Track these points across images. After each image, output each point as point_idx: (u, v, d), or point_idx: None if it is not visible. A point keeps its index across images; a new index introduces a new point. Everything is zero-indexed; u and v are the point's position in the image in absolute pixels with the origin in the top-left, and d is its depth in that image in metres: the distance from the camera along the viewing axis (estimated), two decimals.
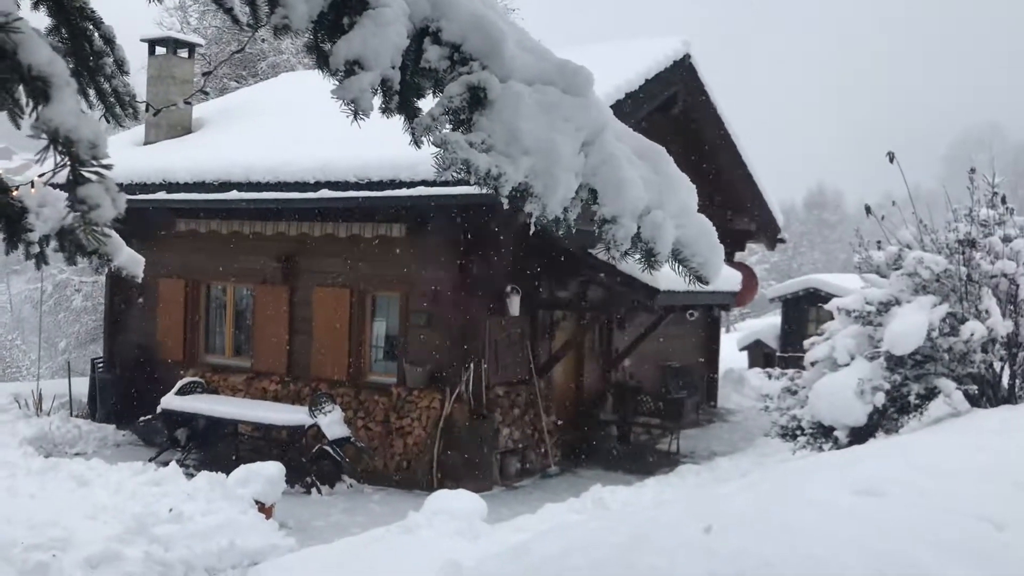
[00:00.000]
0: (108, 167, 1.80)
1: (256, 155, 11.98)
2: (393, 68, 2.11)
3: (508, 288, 11.16)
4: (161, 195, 12.24)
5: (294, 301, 12.33)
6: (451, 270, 11.04)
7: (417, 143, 2.35)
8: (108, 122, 3.19)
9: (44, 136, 1.64)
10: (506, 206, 2.31)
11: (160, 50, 14.62)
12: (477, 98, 2.15)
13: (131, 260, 4.11)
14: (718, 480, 10.56)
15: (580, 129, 2.22)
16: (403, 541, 7.39)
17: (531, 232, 2.56)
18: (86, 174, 1.68)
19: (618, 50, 13.20)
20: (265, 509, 8.67)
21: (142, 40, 14.63)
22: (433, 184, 10.15)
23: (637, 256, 2.36)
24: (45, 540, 7.46)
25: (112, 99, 3.07)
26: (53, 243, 4.01)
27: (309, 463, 10.50)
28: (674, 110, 13.59)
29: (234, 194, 11.68)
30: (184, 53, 14.86)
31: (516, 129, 2.11)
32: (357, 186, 10.80)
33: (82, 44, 2.76)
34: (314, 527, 9.08)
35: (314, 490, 10.34)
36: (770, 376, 10.19)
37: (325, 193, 10.99)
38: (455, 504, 7.98)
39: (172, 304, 13.34)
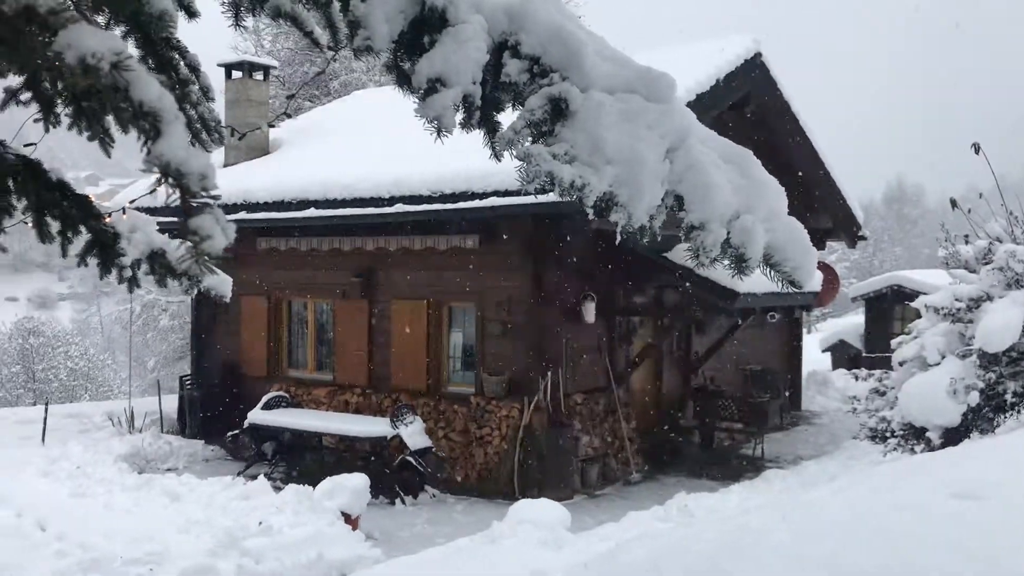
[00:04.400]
0: (217, 198, 1.84)
1: (332, 172, 12.20)
2: (474, 84, 2.12)
3: (583, 295, 11.11)
4: (242, 215, 12.54)
5: (372, 314, 12.50)
6: (525, 279, 11.05)
7: (498, 157, 2.35)
8: (193, 147, 3.27)
9: (156, 170, 1.69)
10: (591, 216, 2.30)
11: (236, 74, 15.01)
12: (558, 109, 2.14)
13: (219, 281, 4.21)
14: (805, 484, 10.32)
15: (664, 136, 2.20)
16: (488, 551, 7.40)
17: (617, 241, 2.53)
18: (196, 205, 1.72)
19: (688, 52, 13.07)
20: (351, 520, 8.79)
21: (219, 65, 15.04)
22: (505, 194, 10.20)
23: (726, 262, 2.32)
24: (142, 555, 7.70)
25: (199, 125, 3.15)
26: (144, 266, 4.17)
27: (392, 474, 10.61)
28: (746, 110, 13.39)
29: (312, 211, 11.91)
30: (259, 76, 15.23)
31: (599, 139, 2.10)
32: (430, 199, 10.91)
33: (169, 73, 2.84)
34: (399, 538, 9.16)
35: (398, 500, 10.44)
36: (856, 377, 9.92)
37: (400, 207, 11.13)
38: (538, 513, 7.97)
39: (255, 321, 13.65)
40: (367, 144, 13.30)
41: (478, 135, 2.35)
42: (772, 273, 2.36)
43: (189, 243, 1.79)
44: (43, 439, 13.22)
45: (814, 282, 12.59)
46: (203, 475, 10.85)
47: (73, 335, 41.54)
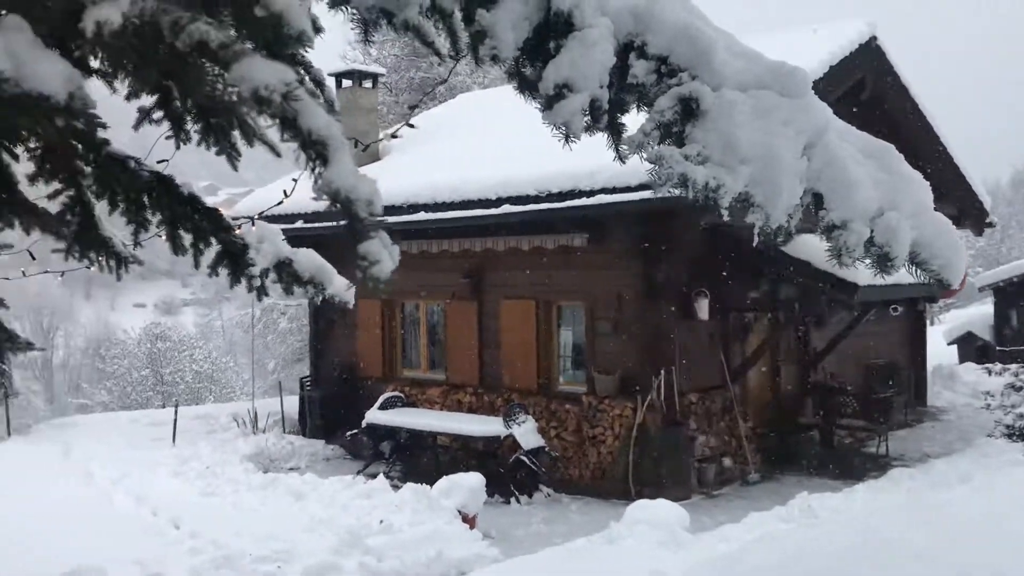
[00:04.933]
0: (383, 224, 1.87)
1: (440, 176, 12.35)
2: (601, 88, 2.10)
3: (695, 291, 10.93)
4: None
5: (482, 314, 12.60)
6: (635, 276, 10.95)
7: (623, 159, 2.32)
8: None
9: (325, 196, 1.73)
10: (726, 218, 2.25)
11: (346, 83, 15.38)
12: (689, 109, 2.10)
13: (343, 288, 4.32)
14: (935, 484, 9.89)
15: (800, 132, 2.13)
16: (606, 551, 7.37)
17: (755, 243, 2.45)
18: (364, 230, 1.76)
19: (799, 37, 12.70)
20: (468, 519, 8.88)
21: (329, 75, 15.43)
22: (613, 191, 10.12)
23: (867, 261, 2.23)
24: (269, 552, 7.97)
25: (307, 137, 3.22)
26: (271, 275, 4.30)
27: (507, 473, 10.67)
28: (862, 95, 12.92)
29: (421, 215, 12.08)
30: (368, 84, 15.56)
31: (732, 138, 2.04)
32: (537, 199, 10.92)
33: None
34: (515, 537, 9.20)
35: (513, 500, 10.49)
36: (990, 372, 9.44)
37: (507, 208, 11.18)
38: (656, 513, 7.89)
39: (370, 323, 13.95)
40: (473, 146, 13.42)
41: (610, 141, 2.32)
42: (918, 272, 2.26)
43: (358, 268, 1.82)
44: (174, 440, 13.83)
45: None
46: (324, 474, 11.16)
47: (197, 339, 43.41)
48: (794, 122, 2.12)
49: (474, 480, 9.09)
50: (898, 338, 15.95)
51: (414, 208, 12.24)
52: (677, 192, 2.22)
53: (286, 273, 4.19)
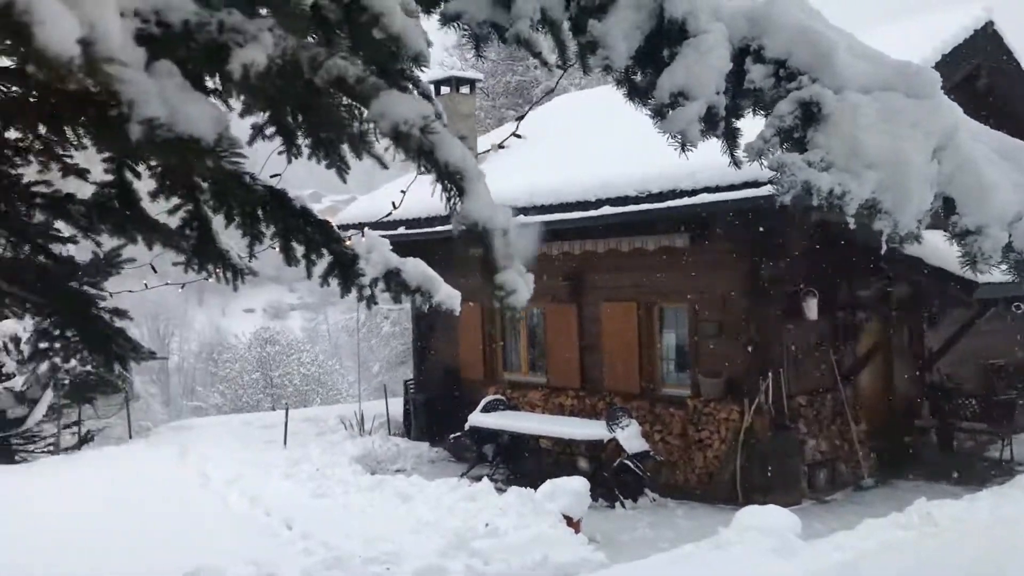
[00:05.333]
0: (514, 252, 1.88)
1: (538, 179, 12.36)
2: (718, 94, 2.05)
3: (803, 291, 10.63)
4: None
5: (583, 317, 12.56)
6: (740, 276, 10.73)
7: (737, 164, 2.27)
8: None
9: (463, 227, 1.75)
10: (852, 225, 2.17)
11: (444, 89, 15.55)
12: (810, 114, 2.03)
13: (449, 296, 4.37)
14: None
15: (930, 134, 2.03)
16: (716, 557, 7.23)
17: (883, 251, 2.36)
18: (501, 261, 1.77)
19: (907, 27, 12.23)
20: (573, 523, 8.85)
21: (428, 82, 15.63)
22: (715, 190, 9.95)
23: (1003, 267, 2.12)
24: (378, 554, 8.10)
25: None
26: (380, 284, 4.37)
27: (610, 477, 10.60)
28: (978, 84, 12.35)
29: (520, 219, 12.08)
30: (466, 89, 15.71)
31: (857, 142, 1.97)
32: (637, 200, 10.82)
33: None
34: (621, 541, 9.13)
35: (617, 504, 10.41)
36: None
37: (606, 210, 11.11)
38: (766, 519, 7.70)
39: (471, 327, 14.07)
40: (571, 148, 13.39)
41: (725, 146, 2.27)
42: None
43: (495, 297, 1.83)
44: (285, 442, 14.23)
45: None
46: (430, 476, 11.31)
47: (304, 343, 44.63)
48: (923, 124, 2.02)
49: (578, 484, 9.05)
50: (1021, 337, 15.17)
51: (513, 212, 12.28)
52: (785, 198, 2.15)
53: (394, 282, 4.27)
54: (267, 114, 4.01)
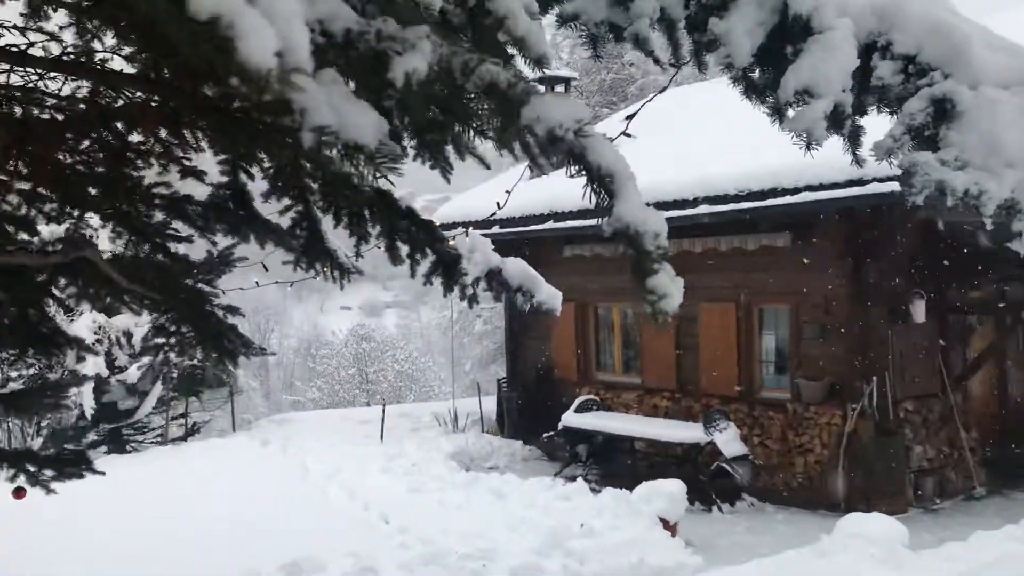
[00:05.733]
0: (667, 256, 1.87)
1: (636, 176, 12.25)
2: (844, 92, 2.00)
3: (910, 292, 10.27)
4: (549, 224, 12.97)
5: (679, 318, 12.37)
6: (843, 277, 10.42)
7: (859, 163, 2.20)
8: (531, 171, 3.39)
9: (615, 231, 1.75)
10: (990, 227, 2.08)
11: (539, 88, 15.57)
12: (943, 111, 1.96)
13: (550, 296, 4.37)
14: None
15: None
16: (819, 566, 7.04)
17: (1023, 254, 2.26)
18: (652, 264, 1.77)
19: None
20: (670, 526, 8.75)
21: None
22: (819, 188, 9.68)
23: None
24: (474, 550, 8.17)
25: (535, 150, 3.26)
26: (482, 283, 4.41)
27: (707, 480, 10.45)
28: None
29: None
30: (560, 88, 15.70)
31: (995, 139, 1.89)
32: (737, 198, 10.61)
33: None
34: (718, 546, 8.98)
35: (715, 508, 10.26)
36: None
37: (704, 208, 10.93)
38: (871, 527, 7.46)
39: (564, 326, 14.05)
40: (668, 145, 13.22)
41: (847, 145, 2.20)
42: None
43: (646, 301, 1.83)
44: (381, 437, 14.49)
45: None
46: (522, 474, 11.35)
47: (398, 340, 45.36)
48: None
49: (675, 487, 8.94)
50: None
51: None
52: (917, 198, 2.07)
53: (496, 281, 4.30)
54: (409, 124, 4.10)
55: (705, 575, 7.50)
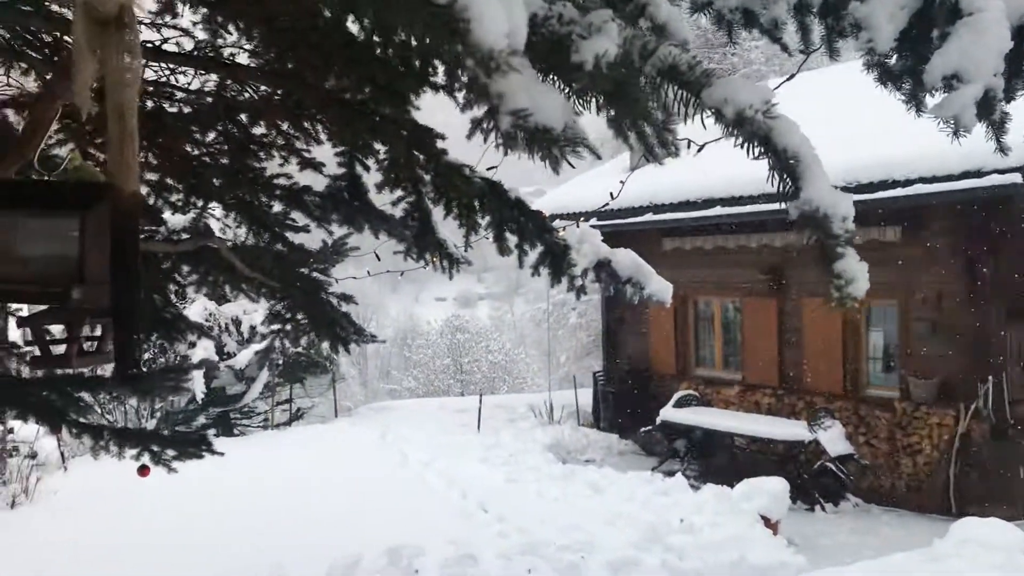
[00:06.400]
0: (853, 239, 1.85)
1: (737, 168, 11.99)
2: (995, 76, 1.92)
3: None
4: (648, 216, 12.86)
5: (782, 312, 12.14)
6: (957, 272, 10.02)
7: (1004, 151, 2.11)
8: (647, 161, 3.36)
9: (802, 214, 1.74)
10: None
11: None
12: None
13: (661, 287, 4.34)
14: None
15: None
16: (930, 570, 6.80)
17: None
18: (839, 248, 1.75)
19: None
20: (771, 525, 8.59)
21: None
22: (932, 180, 9.34)
23: None
24: (572, 542, 8.18)
25: (653, 140, 3.23)
26: (591, 274, 4.40)
27: (810, 479, 10.21)
28: None
29: (717, 210, 11.85)
30: None
31: None
32: (845, 190, 10.28)
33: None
34: (822, 546, 8.78)
35: (817, 507, 10.02)
36: None
37: None
38: (988, 534, 7.15)
39: (662, 320, 13.93)
40: None
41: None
42: None
43: (833, 286, 1.81)
44: (478, 427, 14.64)
45: None
46: (619, 468, 11.30)
47: (491, 331, 45.67)
48: None
49: (777, 485, 8.78)
50: None
51: (710, 203, 12.04)
52: None
53: (605, 272, 4.29)
54: (487, 108, 4.14)
55: (807, 575, 7.33)
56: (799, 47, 2.29)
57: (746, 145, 1.53)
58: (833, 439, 10.18)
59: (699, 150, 2.70)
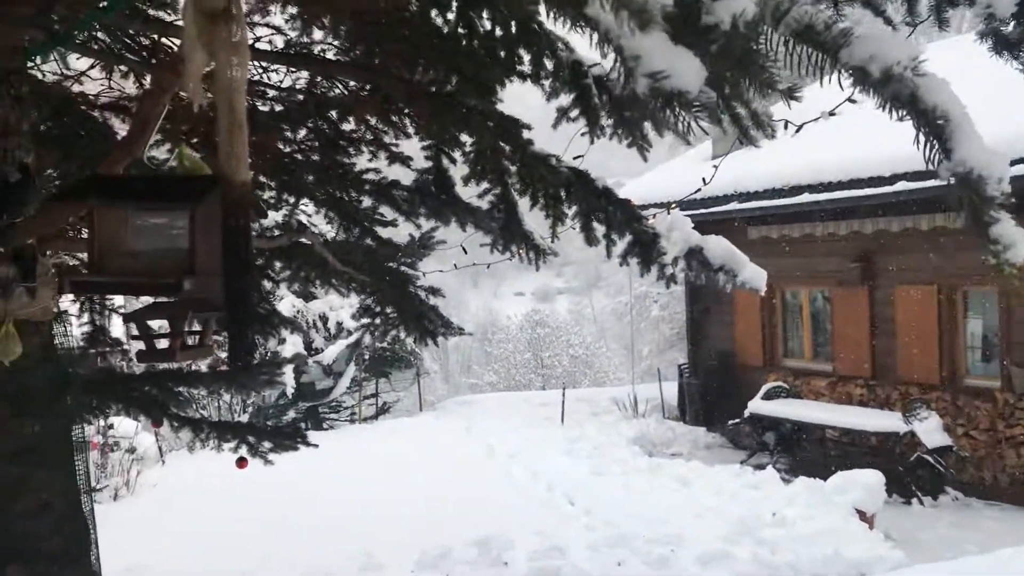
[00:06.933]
0: (1009, 202, 1.77)
1: (825, 154, 11.71)
2: None
3: None
4: (733, 205, 12.63)
5: (874, 301, 11.79)
6: None
7: None
8: (741, 144, 3.29)
9: (954, 176, 1.68)
10: None
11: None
12: None
13: (754, 275, 4.25)
14: None
15: None
16: None
17: None
18: (994, 215, 1.68)
19: None
20: (866, 518, 8.37)
21: None
22: None
23: None
24: (661, 535, 8.10)
25: (748, 122, 3.15)
26: (681, 263, 4.32)
27: (906, 472, 9.90)
28: None
29: (805, 196, 11.57)
30: None
31: None
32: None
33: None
34: (920, 540, 8.50)
35: (915, 501, 9.71)
36: None
37: (903, 185, 10.30)
38: None
39: (748, 310, 13.67)
40: (861, 119, 12.56)
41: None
42: None
43: (991, 252, 1.74)
44: (562, 420, 14.62)
45: None
46: (707, 461, 11.15)
47: (571, 325, 45.54)
48: None
49: (872, 478, 8.54)
50: None
51: (796, 190, 11.76)
52: None
53: (696, 260, 4.21)
54: (573, 96, 4.11)
55: (908, 570, 7.10)
56: (905, 19, 2.20)
57: (888, 107, 1.46)
58: (930, 430, 9.85)
59: (797, 131, 2.60)
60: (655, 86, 1.30)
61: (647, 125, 4.17)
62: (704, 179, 4.04)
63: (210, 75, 1.47)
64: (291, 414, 14.95)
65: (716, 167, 3.92)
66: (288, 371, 12.36)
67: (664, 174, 15.64)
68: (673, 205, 4.14)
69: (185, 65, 1.39)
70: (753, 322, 13.67)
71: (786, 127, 2.70)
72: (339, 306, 13.72)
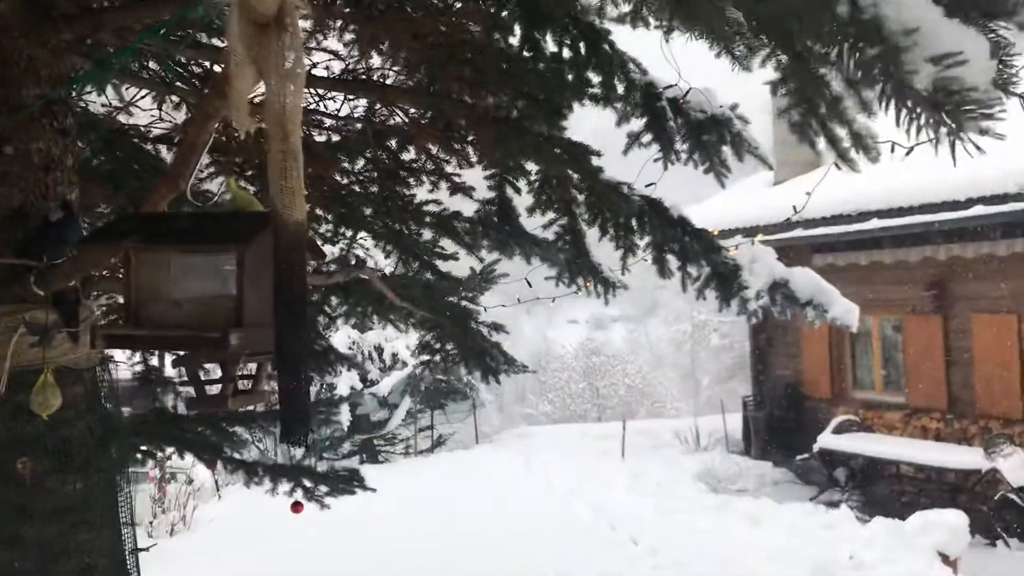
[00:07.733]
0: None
1: (895, 178, 11.26)
2: None
3: None
4: (797, 232, 12.23)
5: (948, 330, 11.27)
6: None
7: None
8: (838, 168, 3.04)
9: None
10: None
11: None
12: None
13: (846, 310, 3.95)
14: None
15: None
16: None
17: None
18: None
19: None
20: (950, 562, 7.88)
21: (763, 84, 14.94)
22: None
23: None
24: None
25: (847, 144, 2.90)
26: (764, 298, 4.04)
27: (990, 512, 9.36)
28: None
29: (874, 222, 11.14)
30: None
31: None
32: (1018, 197, 9.48)
33: (820, 91, 2.64)
34: None
35: (1000, 543, 9.16)
36: None
37: (979, 210, 9.85)
38: None
39: (815, 340, 13.21)
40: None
41: None
42: None
43: None
44: (623, 454, 14.25)
45: None
46: (774, 498, 10.71)
47: (627, 354, 44.97)
48: None
49: (955, 518, 8.04)
50: None
51: (864, 215, 11.34)
52: None
53: (781, 294, 3.92)
54: (645, 120, 3.87)
55: None
56: None
57: None
58: (1015, 467, 9.31)
59: (907, 153, 2.32)
60: (943, 77, 1.05)
61: (725, 149, 3.92)
62: (795, 207, 3.76)
63: (261, 102, 1.28)
64: (346, 447, 14.81)
65: (809, 193, 3.65)
66: (344, 406, 12.24)
67: (724, 201, 15.27)
68: (760, 236, 3.86)
69: (231, 84, 1.19)
70: (820, 352, 13.20)
71: (893, 149, 2.42)
72: (394, 337, 13.59)
